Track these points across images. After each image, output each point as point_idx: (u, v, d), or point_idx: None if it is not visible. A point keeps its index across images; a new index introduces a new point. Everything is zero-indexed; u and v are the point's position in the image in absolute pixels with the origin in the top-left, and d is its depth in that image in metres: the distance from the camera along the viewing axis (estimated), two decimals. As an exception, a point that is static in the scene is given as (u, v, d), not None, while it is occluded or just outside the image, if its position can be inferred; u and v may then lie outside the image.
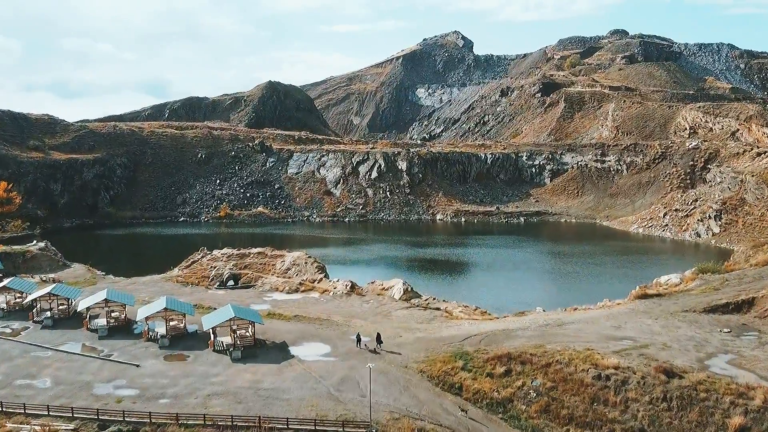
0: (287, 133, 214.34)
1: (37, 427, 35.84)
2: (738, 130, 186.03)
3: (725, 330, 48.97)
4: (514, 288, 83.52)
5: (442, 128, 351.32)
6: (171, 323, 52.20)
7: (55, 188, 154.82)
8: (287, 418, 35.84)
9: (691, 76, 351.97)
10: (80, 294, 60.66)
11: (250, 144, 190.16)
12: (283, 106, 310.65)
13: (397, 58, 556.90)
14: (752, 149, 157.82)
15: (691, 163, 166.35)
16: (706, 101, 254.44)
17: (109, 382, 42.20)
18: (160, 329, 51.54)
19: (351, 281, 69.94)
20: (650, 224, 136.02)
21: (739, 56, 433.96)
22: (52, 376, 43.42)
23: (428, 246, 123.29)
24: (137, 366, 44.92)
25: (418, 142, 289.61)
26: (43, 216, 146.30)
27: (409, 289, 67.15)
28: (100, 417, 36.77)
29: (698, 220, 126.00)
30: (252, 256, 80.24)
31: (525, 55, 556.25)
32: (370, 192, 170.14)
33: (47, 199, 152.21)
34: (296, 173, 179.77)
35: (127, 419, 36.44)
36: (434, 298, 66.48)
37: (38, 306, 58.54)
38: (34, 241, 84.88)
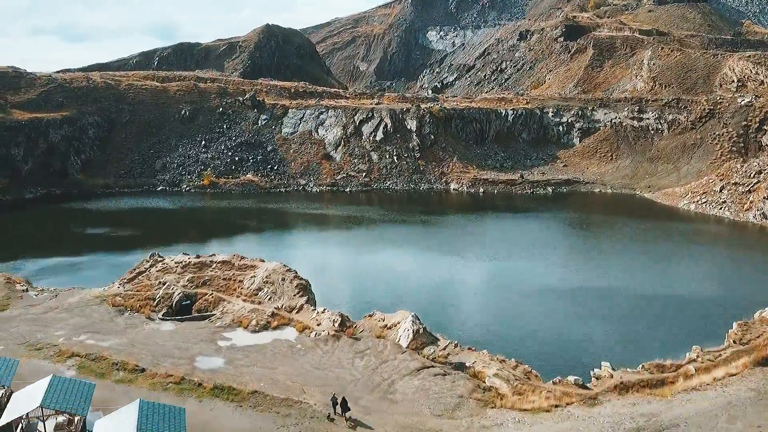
0: (282, 84, 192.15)
1: None
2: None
3: None
4: (556, 309, 64.04)
5: (455, 76, 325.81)
6: (58, 419, 34.07)
7: (16, 153, 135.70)
8: None
9: (727, 19, 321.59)
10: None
11: (241, 99, 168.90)
12: (282, 53, 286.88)
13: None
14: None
15: (744, 123, 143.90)
16: (746, 48, 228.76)
17: None
18: None
19: (341, 315, 51.20)
20: (704, 200, 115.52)
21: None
22: None
23: (441, 226, 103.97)
24: None
25: (429, 94, 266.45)
26: (2, 187, 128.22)
27: (421, 330, 48.30)
28: None
29: (764, 197, 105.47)
30: (214, 266, 61.47)
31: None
32: (374, 156, 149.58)
33: (8, 166, 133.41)
34: (291, 133, 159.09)
35: None
36: (456, 344, 47.76)
37: None
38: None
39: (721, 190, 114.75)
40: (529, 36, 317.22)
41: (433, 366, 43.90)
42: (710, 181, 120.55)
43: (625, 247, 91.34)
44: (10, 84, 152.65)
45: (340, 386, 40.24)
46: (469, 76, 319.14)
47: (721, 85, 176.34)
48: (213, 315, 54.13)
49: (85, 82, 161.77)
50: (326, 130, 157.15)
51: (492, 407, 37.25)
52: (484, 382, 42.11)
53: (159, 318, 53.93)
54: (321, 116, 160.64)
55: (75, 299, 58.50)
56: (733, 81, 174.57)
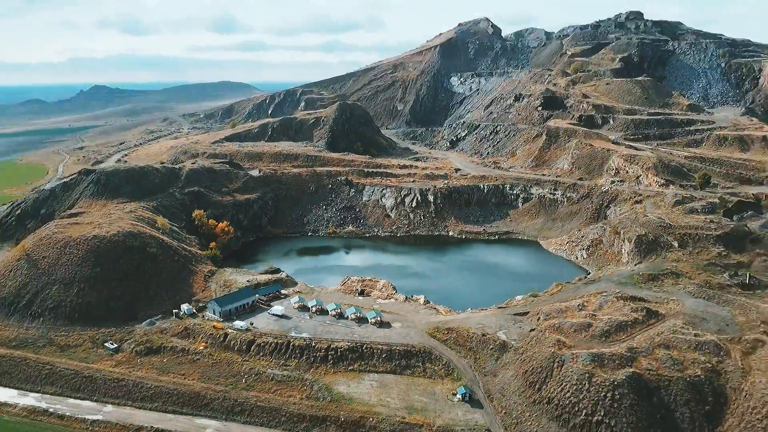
0: (357, 163, 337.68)
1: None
2: (641, 175, 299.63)
3: (512, 322, 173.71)
4: (460, 284, 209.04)
5: (465, 132, 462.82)
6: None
7: (242, 218, 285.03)
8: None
9: (662, 92, 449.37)
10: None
11: (339, 178, 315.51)
12: (350, 123, 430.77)
13: (435, 46, 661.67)
14: (634, 197, 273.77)
15: (601, 202, 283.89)
16: (666, 113, 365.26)
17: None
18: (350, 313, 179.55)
19: (404, 295, 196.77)
20: (559, 247, 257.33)
21: (722, 55, 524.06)
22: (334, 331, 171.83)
23: (435, 256, 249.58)
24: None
25: (448, 145, 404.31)
26: (236, 236, 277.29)
27: (427, 299, 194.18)
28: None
29: (579, 249, 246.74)
30: (366, 281, 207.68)
31: (545, 43, 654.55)
32: (411, 216, 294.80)
33: (238, 224, 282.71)
34: (367, 201, 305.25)
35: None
36: (413, 297, 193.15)
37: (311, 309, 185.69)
38: (277, 268, 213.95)
39: (566, 244, 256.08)
40: (520, 99, 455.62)
41: (426, 306, 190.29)
42: (564, 239, 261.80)
43: (510, 258, 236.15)
44: (226, 178, 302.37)
45: (407, 312, 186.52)
46: (476, 133, 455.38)
47: (607, 171, 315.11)
48: (371, 295, 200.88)
49: (260, 173, 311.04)
50: (386, 200, 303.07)
51: (434, 315, 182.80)
52: (429, 303, 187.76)
53: (356, 296, 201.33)
54: (383, 191, 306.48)
55: (330, 289, 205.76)
56: (613, 169, 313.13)
